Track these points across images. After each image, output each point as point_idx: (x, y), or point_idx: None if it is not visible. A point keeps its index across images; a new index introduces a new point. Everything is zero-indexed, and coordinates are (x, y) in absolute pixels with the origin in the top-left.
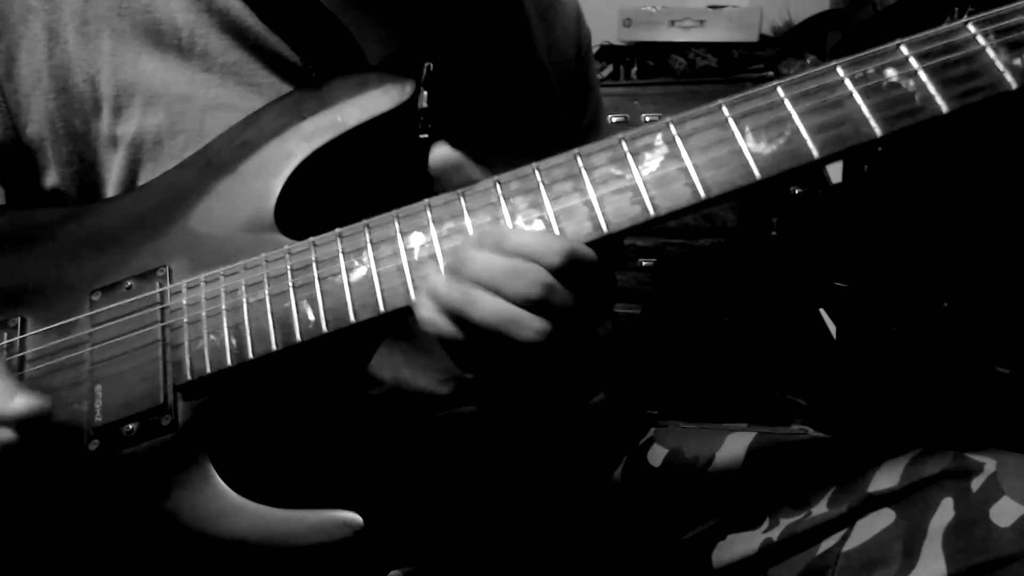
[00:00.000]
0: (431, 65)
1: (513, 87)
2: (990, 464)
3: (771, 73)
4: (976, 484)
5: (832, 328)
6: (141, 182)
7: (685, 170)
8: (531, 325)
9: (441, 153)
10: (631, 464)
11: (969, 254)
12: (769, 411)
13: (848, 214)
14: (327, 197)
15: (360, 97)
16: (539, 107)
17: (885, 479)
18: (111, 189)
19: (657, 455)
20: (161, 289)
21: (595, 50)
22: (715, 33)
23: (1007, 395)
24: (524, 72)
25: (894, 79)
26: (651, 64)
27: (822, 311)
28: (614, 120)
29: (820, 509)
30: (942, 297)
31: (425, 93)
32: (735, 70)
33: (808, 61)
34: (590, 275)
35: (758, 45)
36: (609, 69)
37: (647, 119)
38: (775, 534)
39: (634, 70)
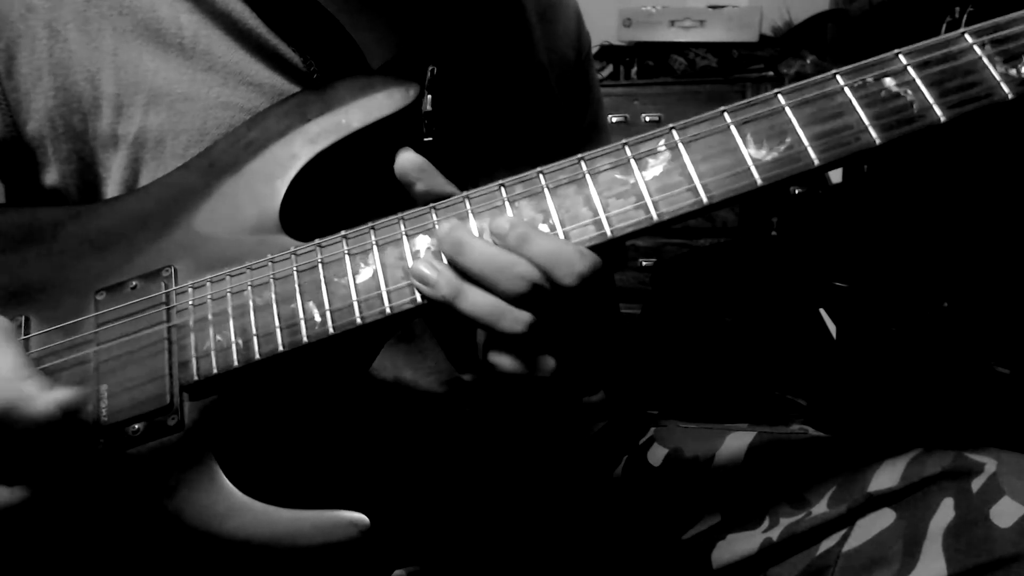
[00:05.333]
0: (435, 68)
1: (514, 89)
2: (990, 464)
3: (771, 73)
4: (976, 484)
5: (832, 328)
6: (143, 181)
7: (688, 176)
8: (517, 317)
9: (407, 157)
10: (631, 464)
11: (969, 254)
12: (769, 411)
13: (848, 214)
14: (332, 199)
15: (364, 100)
16: (540, 108)
17: (885, 479)
18: (111, 188)
19: (657, 455)
20: (167, 290)
21: (595, 50)
22: (715, 33)
23: (1007, 395)
24: (525, 73)
25: (893, 88)
26: (651, 64)
27: (822, 311)
28: (614, 120)
29: (820, 509)
30: (942, 297)
31: (429, 96)
32: (735, 70)
33: (808, 61)
34: (594, 281)
35: (758, 45)
36: (609, 69)
37: (647, 119)
38: (775, 534)
39: (634, 70)
